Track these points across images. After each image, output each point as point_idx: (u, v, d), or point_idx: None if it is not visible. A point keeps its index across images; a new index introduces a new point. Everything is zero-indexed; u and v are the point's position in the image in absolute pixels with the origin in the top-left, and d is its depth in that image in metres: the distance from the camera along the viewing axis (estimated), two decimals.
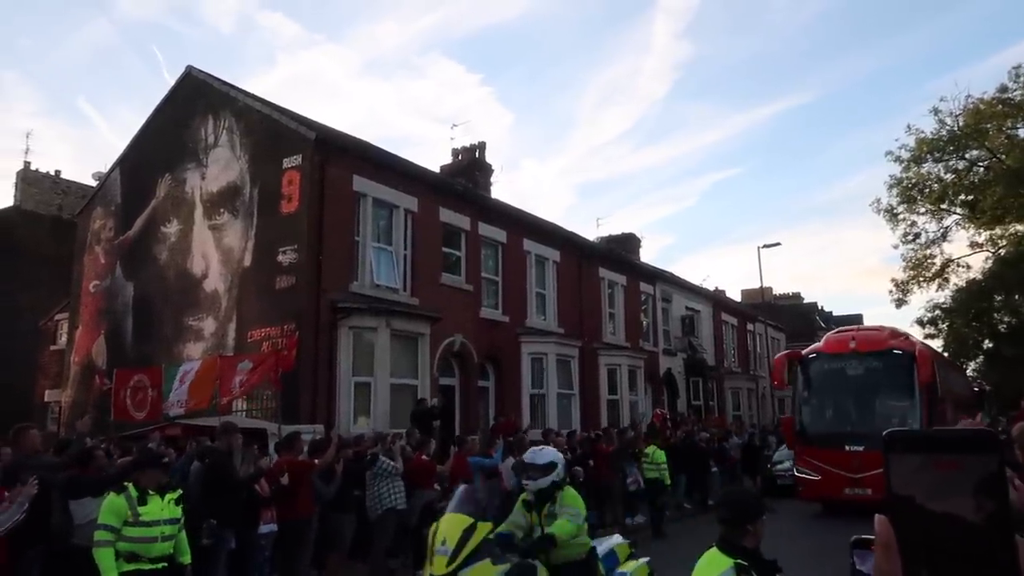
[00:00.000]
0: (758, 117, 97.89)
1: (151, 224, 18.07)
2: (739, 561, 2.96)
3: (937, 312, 31.08)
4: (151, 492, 5.52)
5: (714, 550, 3.11)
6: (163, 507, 5.54)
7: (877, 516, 0.82)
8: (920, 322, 31.38)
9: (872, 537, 0.85)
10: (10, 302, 25.66)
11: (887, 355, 14.38)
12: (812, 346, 16.48)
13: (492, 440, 13.24)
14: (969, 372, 31.71)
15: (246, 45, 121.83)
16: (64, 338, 21.39)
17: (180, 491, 5.88)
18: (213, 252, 16.49)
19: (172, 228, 17.55)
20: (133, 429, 12.24)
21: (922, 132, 27.63)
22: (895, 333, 15.50)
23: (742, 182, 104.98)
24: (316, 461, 8.74)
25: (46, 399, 22.80)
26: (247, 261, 15.71)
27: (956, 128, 26.95)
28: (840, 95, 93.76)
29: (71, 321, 19.94)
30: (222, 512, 7.43)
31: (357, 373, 14.69)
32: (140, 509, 5.39)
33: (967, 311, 29.62)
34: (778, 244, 34.51)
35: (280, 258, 14.97)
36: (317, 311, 14.42)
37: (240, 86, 18.27)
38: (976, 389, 24.92)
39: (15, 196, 28.00)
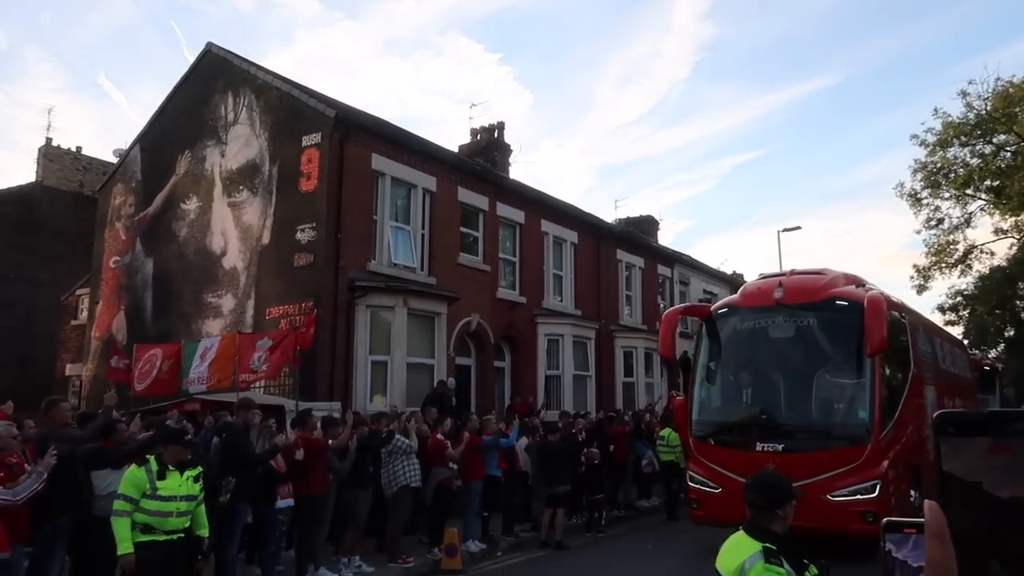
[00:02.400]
0: (781, 100, 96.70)
1: (171, 201, 18.15)
2: (767, 545, 2.91)
3: (959, 299, 30.73)
4: (171, 468, 5.60)
5: (741, 533, 3.07)
6: (181, 483, 5.61)
7: (927, 503, 0.78)
8: (941, 308, 31.05)
9: (905, 520, 0.81)
10: (32, 277, 25.96)
11: (826, 309, 9.62)
12: (725, 298, 11.99)
13: (508, 420, 13.28)
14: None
15: (265, 22, 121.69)
16: (85, 313, 21.62)
17: (200, 468, 5.96)
18: (232, 229, 16.55)
19: (192, 205, 17.62)
20: (153, 404, 12.38)
21: (949, 116, 27.14)
22: (843, 278, 10.34)
23: (763, 165, 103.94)
24: (331, 442, 8.79)
25: (67, 373, 23.10)
26: (266, 239, 15.76)
27: (984, 112, 26.45)
28: (865, 78, 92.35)
29: (92, 296, 20.13)
30: (238, 487, 7.49)
31: (374, 352, 14.74)
32: (159, 483, 5.48)
33: (990, 298, 29.24)
34: (798, 228, 34.03)
35: (299, 236, 15.00)
36: (335, 289, 14.46)
37: (260, 63, 18.26)
38: (986, 368, 22.13)
39: (37, 172, 28.22)
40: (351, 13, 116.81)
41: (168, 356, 13.01)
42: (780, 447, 8.97)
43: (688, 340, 26.87)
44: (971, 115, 26.62)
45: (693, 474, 10.02)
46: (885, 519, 1.15)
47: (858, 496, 8.66)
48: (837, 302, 9.60)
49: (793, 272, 10.96)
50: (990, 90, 26.16)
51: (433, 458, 10.25)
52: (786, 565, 2.86)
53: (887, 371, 9.46)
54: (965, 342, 27.75)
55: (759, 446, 9.10)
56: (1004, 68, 73.42)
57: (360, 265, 15.06)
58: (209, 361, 12.40)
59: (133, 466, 5.56)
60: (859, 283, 10.22)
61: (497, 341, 18.46)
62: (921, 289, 30.40)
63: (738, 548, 2.99)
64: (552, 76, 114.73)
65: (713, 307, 11.06)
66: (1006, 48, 64.29)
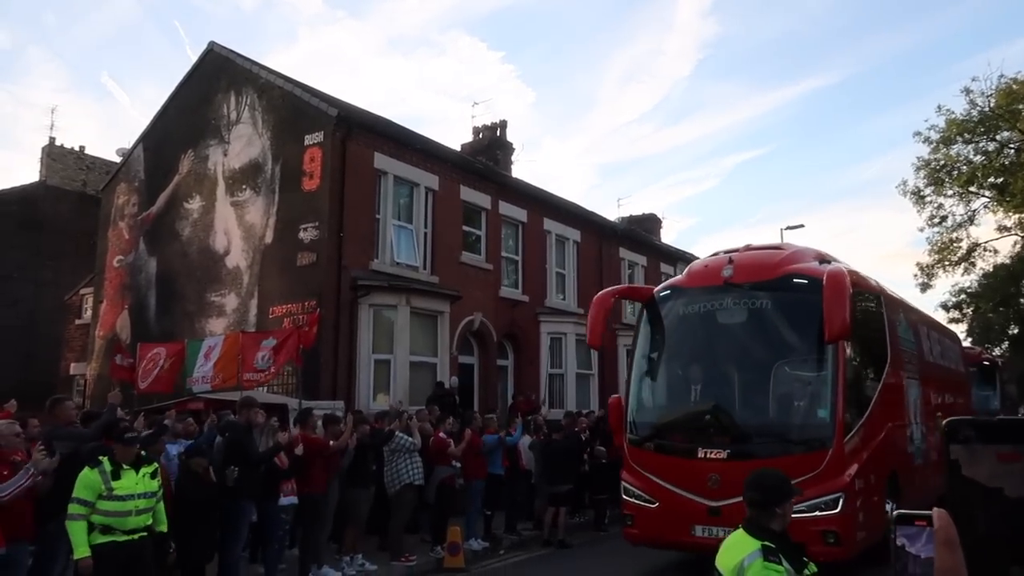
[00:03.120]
0: (784, 97, 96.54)
1: (174, 200, 18.18)
2: (766, 543, 2.93)
3: (962, 297, 30.69)
4: (126, 466, 5.54)
5: (740, 532, 3.08)
6: (138, 481, 5.56)
7: (937, 510, 0.78)
8: (945, 306, 31.01)
9: (916, 512, 0.82)
10: (36, 276, 26.02)
11: (782, 288, 8.13)
12: (670, 279, 10.08)
13: (511, 419, 13.29)
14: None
15: (268, 21, 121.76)
16: (89, 312, 21.67)
17: (156, 465, 5.90)
18: (235, 228, 16.57)
19: (195, 204, 17.65)
20: (157, 402, 12.41)
21: (952, 113, 27.09)
22: (805, 253, 8.91)
23: (766, 163, 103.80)
24: (332, 442, 8.81)
25: (71, 372, 23.16)
26: (269, 238, 15.78)
27: (988, 109, 26.40)
28: (868, 75, 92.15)
29: (95, 296, 20.17)
30: (242, 485, 7.51)
31: (377, 350, 14.76)
32: (114, 483, 5.42)
33: (993, 296, 29.20)
34: (801, 226, 33.78)
35: (301, 235, 15.02)
36: (338, 288, 14.47)
37: (262, 62, 18.28)
38: (986, 363, 20.79)
39: (40, 172, 28.27)
40: (353, 11, 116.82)
41: (171, 355, 13.04)
42: (725, 453, 7.62)
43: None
44: (975, 112, 26.57)
45: (627, 485, 8.46)
46: (896, 511, 1.08)
47: (817, 512, 7.17)
48: (795, 280, 8.06)
49: (748, 248, 9.17)
50: (994, 87, 26.12)
51: (436, 456, 10.27)
52: (785, 563, 2.87)
53: (855, 362, 8.07)
54: (968, 340, 27.64)
55: (701, 452, 7.77)
56: (1008, 65, 73.34)
57: (363, 264, 15.08)
58: (214, 360, 12.42)
59: (86, 468, 5.50)
60: (825, 259, 8.64)
61: (500, 340, 18.47)
62: (924, 287, 30.37)
63: (737, 546, 3.00)
64: (555, 74, 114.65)
65: (656, 289, 9.38)
66: (1010, 45, 64.11)
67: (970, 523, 0.74)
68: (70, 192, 27.83)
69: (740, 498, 6.75)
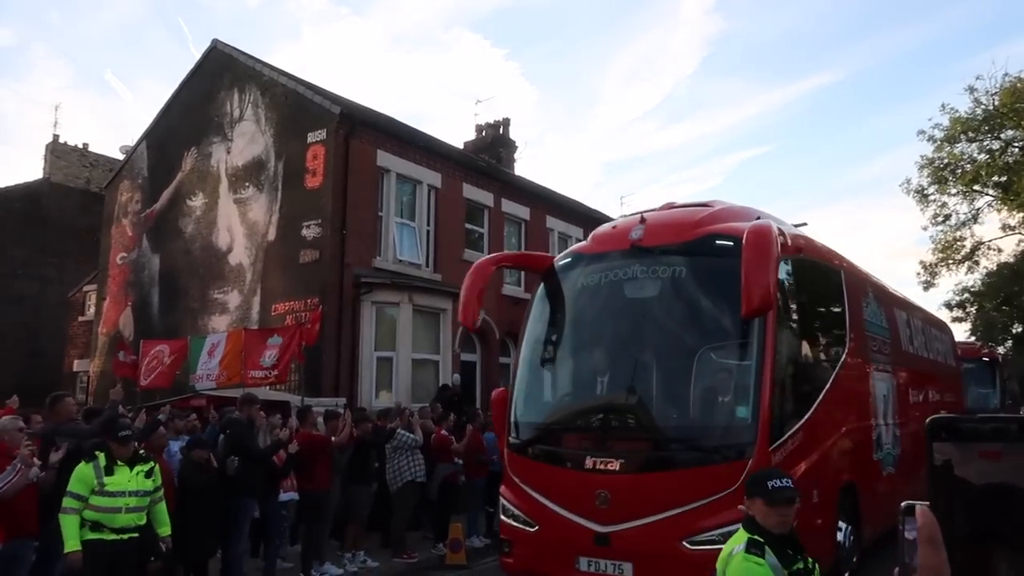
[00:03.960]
0: (788, 95, 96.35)
1: (177, 197, 18.22)
2: (754, 536, 3.07)
3: (966, 295, 30.62)
4: (120, 463, 5.49)
5: (740, 527, 3.23)
6: (130, 478, 5.50)
7: (919, 508, 0.78)
8: (948, 305, 30.94)
9: (923, 503, 0.81)
10: (40, 273, 26.10)
11: (700, 252, 6.42)
12: (573, 246, 8.12)
13: None
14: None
15: (272, 18, 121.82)
16: (92, 309, 21.72)
17: (152, 464, 5.80)
18: (238, 226, 16.61)
19: (198, 202, 17.69)
20: (160, 399, 12.45)
21: (956, 111, 27.04)
22: (732, 211, 7.10)
23: (770, 161, 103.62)
24: (333, 438, 8.83)
25: (75, 369, 23.23)
26: (271, 235, 15.81)
27: (992, 107, 26.35)
28: (872, 73, 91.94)
29: (99, 293, 20.23)
30: (243, 482, 7.54)
31: (379, 348, 14.79)
32: (106, 479, 5.38)
33: (997, 294, 29.14)
34: (804, 224, 33.86)
35: (304, 232, 15.04)
36: (340, 285, 14.50)
37: (266, 60, 18.30)
38: (985, 359, 19.20)
39: (44, 169, 28.34)
40: (357, 9, 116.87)
41: (174, 352, 13.08)
42: (617, 464, 5.85)
43: None
44: (979, 111, 26.52)
45: (505, 503, 6.70)
46: (904, 502, 0.96)
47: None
48: (717, 242, 6.26)
49: (669, 206, 7.49)
50: (998, 85, 26.06)
51: (438, 453, 10.29)
52: (769, 557, 3.00)
53: (795, 346, 6.38)
54: (972, 338, 27.57)
55: (589, 461, 5.99)
56: (1012, 63, 72.99)
57: (365, 261, 15.10)
58: (219, 358, 12.45)
59: (82, 463, 5.48)
60: (754, 216, 6.90)
61: (502, 337, 18.48)
62: (928, 286, 30.32)
63: (734, 539, 3.17)
64: (558, 72, 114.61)
65: (556, 258, 7.55)
66: (1014, 43, 63.91)
67: (952, 522, 0.74)
68: (74, 189, 27.91)
69: (637, 522, 5.73)
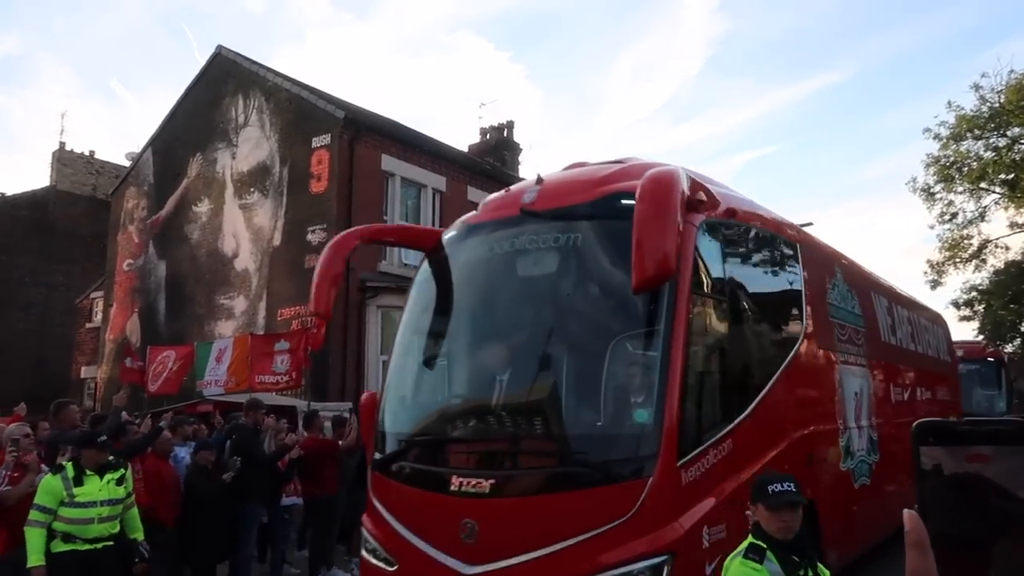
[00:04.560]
0: (793, 95, 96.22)
1: (183, 203, 18.28)
2: (755, 541, 3.05)
3: (974, 294, 30.46)
4: (89, 472, 5.40)
5: (749, 534, 3.19)
6: (101, 487, 5.41)
7: (907, 512, 0.77)
8: (956, 304, 30.79)
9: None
10: (47, 280, 26.22)
11: (601, 215, 5.03)
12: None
13: None
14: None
15: (276, 24, 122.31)
16: (99, 316, 21.81)
17: (122, 471, 5.70)
18: (243, 231, 16.65)
19: (203, 207, 17.74)
20: (167, 405, 12.48)
21: (962, 109, 26.93)
22: (640, 168, 5.02)
23: (776, 161, 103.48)
24: (341, 442, 8.83)
25: (82, 375, 23.31)
26: (277, 240, 15.85)
27: (998, 104, 26.24)
28: (878, 72, 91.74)
29: (106, 299, 20.31)
30: (251, 487, 7.54)
31: (385, 351, 14.77)
32: (75, 490, 5.28)
33: (1005, 293, 28.97)
34: (810, 224, 33.76)
35: (309, 237, 15.07)
36: (346, 290, 14.51)
37: (270, 65, 18.39)
38: (989, 359, 17.77)
39: (51, 176, 28.49)
40: (361, 14, 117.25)
41: (180, 357, 13.11)
42: (487, 485, 4.49)
43: None
44: (984, 108, 26.41)
45: (366, 535, 5.38)
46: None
47: None
48: (622, 202, 4.76)
49: (576, 165, 6.22)
50: (1003, 83, 25.94)
51: None
52: (770, 564, 2.96)
53: (721, 332, 5.01)
54: (980, 337, 27.43)
55: (455, 482, 4.62)
56: (1018, 60, 72.69)
57: (371, 266, 15.12)
58: (227, 364, 12.47)
59: (49, 474, 5.39)
60: (660, 171, 5.20)
61: None
62: (935, 284, 30.17)
63: (740, 546, 3.15)
64: (563, 73, 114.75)
65: (444, 231, 6.18)
66: (1019, 40, 63.71)
67: (940, 526, 0.73)
68: (80, 196, 28.04)
69: (509, 561, 4.27)
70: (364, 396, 6.32)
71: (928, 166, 28.63)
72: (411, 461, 5.21)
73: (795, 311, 6.25)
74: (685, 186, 4.37)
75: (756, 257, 5.97)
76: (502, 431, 4.96)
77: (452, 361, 5.69)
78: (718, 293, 5.03)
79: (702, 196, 4.90)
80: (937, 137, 27.83)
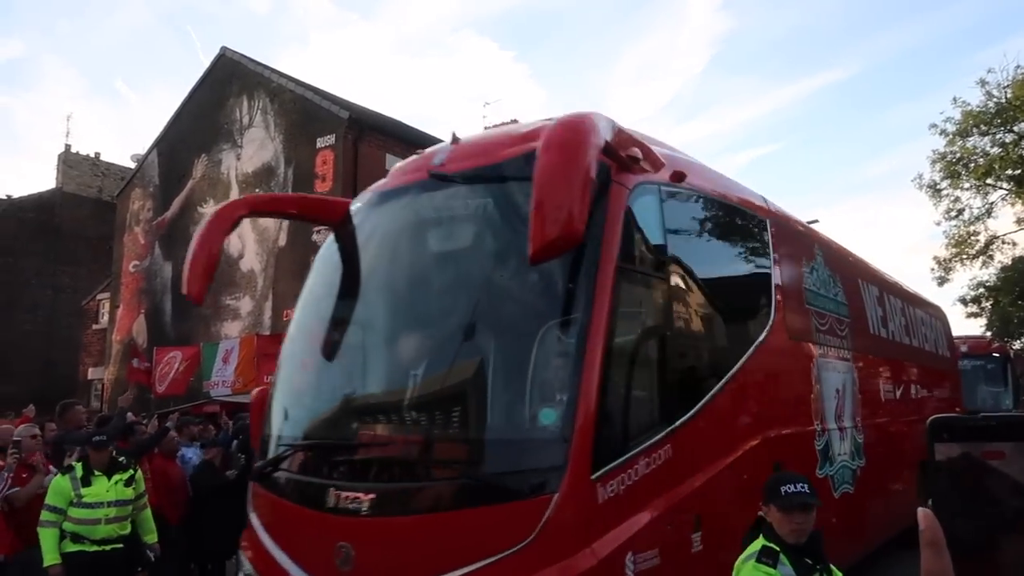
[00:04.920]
0: (798, 92, 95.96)
1: (188, 205, 18.33)
2: (768, 544, 2.98)
3: (981, 290, 30.34)
4: (97, 473, 5.41)
5: (760, 535, 3.13)
6: (109, 488, 5.41)
7: (921, 511, 0.76)
8: (963, 300, 30.67)
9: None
10: (53, 282, 26.32)
11: (508, 178, 4.07)
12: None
13: None
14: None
15: (280, 25, 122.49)
16: (106, 317, 21.88)
17: (132, 472, 5.66)
18: (249, 232, 16.68)
19: (208, 208, 17.77)
20: (174, 406, 12.52)
21: (968, 105, 26.84)
22: (538, 130, 3.84)
23: (780, 159, 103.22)
24: None
25: (89, 377, 23.39)
26: (282, 241, 15.87)
27: (1004, 100, 26.16)
28: (883, 68, 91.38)
29: (112, 301, 20.38)
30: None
31: None
32: (84, 490, 5.30)
33: (1012, 289, 28.84)
34: (816, 222, 33.70)
35: (315, 237, 15.07)
36: None
37: (274, 66, 18.40)
38: (995, 354, 17.06)
39: (57, 179, 28.61)
40: (365, 14, 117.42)
41: (187, 358, 13.15)
42: (366, 502, 3.66)
43: None
44: (991, 104, 26.31)
45: (241, 557, 4.62)
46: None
47: None
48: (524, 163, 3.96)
49: (503, 125, 5.88)
50: (1010, 78, 25.84)
51: None
52: (783, 567, 2.90)
53: (661, 316, 4.15)
54: (988, 334, 27.29)
55: (332, 497, 3.80)
56: None
57: None
58: (234, 364, 12.50)
59: (58, 475, 5.41)
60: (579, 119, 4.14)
61: None
62: (942, 281, 30.06)
63: (751, 547, 3.07)
64: (566, 73, 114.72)
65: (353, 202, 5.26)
66: None
67: (955, 524, 0.71)
68: (86, 198, 28.14)
69: None
70: (255, 392, 5.62)
71: (934, 162, 28.51)
72: (289, 470, 4.29)
73: (761, 296, 5.39)
74: (606, 135, 3.60)
75: (712, 232, 5.15)
76: (385, 436, 4.09)
77: (339, 352, 4.67)
78: (657, 271, 4.16)
79: (636, 153, 4.00)
80: (943, 133, 27.74)
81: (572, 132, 3.41)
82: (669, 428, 3.85)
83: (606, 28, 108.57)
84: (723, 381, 4.53)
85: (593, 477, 3.36)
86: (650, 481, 3.67)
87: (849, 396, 6.61)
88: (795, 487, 3.04)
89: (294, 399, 4.79)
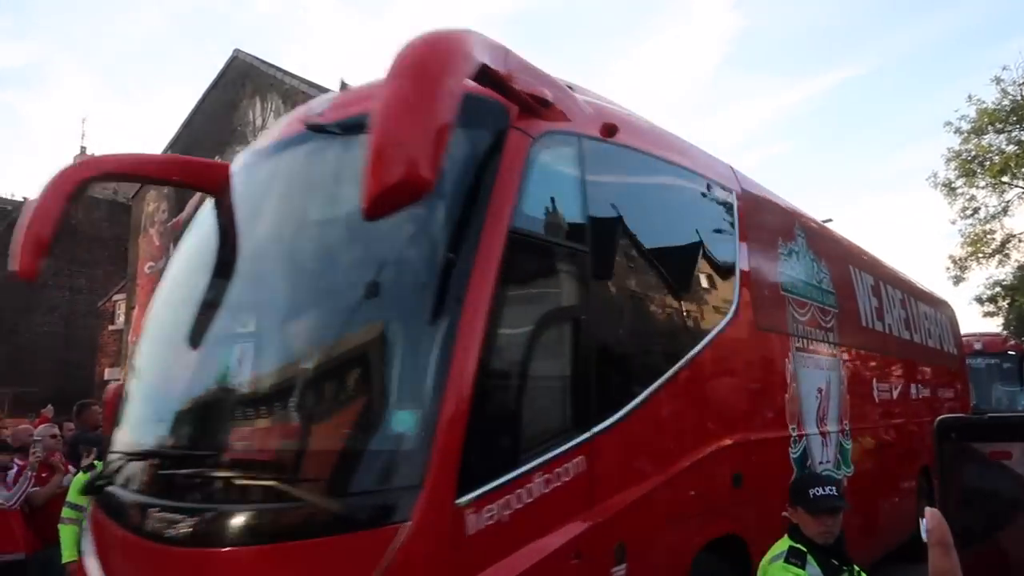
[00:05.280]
0: (810, 90, 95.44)
1: (202, 206, 18.45)
2: (795, 545, 2.98)
3: (997, 289, 30.09)
4: None
5: (785, 535, 3.13)
6: None
7: (929, 510, 0.77)
8: (979, 299, 30.43)
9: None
10: (70, 284, 26.58)
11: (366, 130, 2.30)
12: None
13: None
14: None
15: (290, 25, 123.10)
16: (122, 318, 22.08)
17: None
18: None
19: None
20: None
21: (983, 102, 26.64)
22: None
23: (793, 157, 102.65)
24: None
25: (106, 377, 23.60)
26: None
27: (1019, 97, 25.94)
28: (895, 68, 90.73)
29: (128, 302, 20.56)
30: None
31: None
32: None
33: None
34: (829, 220, 33.49)
35: None
36: None
37: (286, 67, 18.50)
38: (1011, 352, 16.35)
39: None
40: (374, 15, 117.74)
41: None
42: (182, 528, 2.73)
43: None
44: (1006, 101, 26.09)
45: None
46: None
47: None
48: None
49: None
50: None
51: None
52: (811, 568, 2.91)
53: (567, 295, 3.36)
54: (1004, 333, 27.07)
55: (149, 519, 2.89)
56: None
57: None
58: None
59: (80, 472, 5.43)
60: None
61: None
62: (958, 280, 29.83)
63: (776, 547, 3.08)
64: (576, 74, 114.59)
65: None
66: None
67: (963, 524, 0.72)
68: (101, 200, 28.39)
69: None
70: (109, 388, 5.01)
71: (949, 161, 28.32)
72: (115, 483, 3.44)
73: (720, 280, 4.61)
74: (495, 64, 2.83)
75: (654, 201, 4.26)
76: (206, 447, 3.11)
77: (178, 344, 3.73)
78: (573, 242, 3.31)
79: (545, 95, 3.25)
80: (958, 131, 27.54)
81: (429, 53, 2.61)
82: (583, 436, 3.06)
83: (617, 27, 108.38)
84: (663, 378, 3.75)
85: (460, 501, 2.52)
86: (551, 503, 2.86)
87: (835, 396, 5.91)
88: (823, 490, 3.03)
89: (132, 400, 3.91)
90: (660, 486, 3.54)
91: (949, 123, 27.37)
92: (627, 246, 3.76)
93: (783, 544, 3.04)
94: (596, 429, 3.16)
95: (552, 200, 3.31)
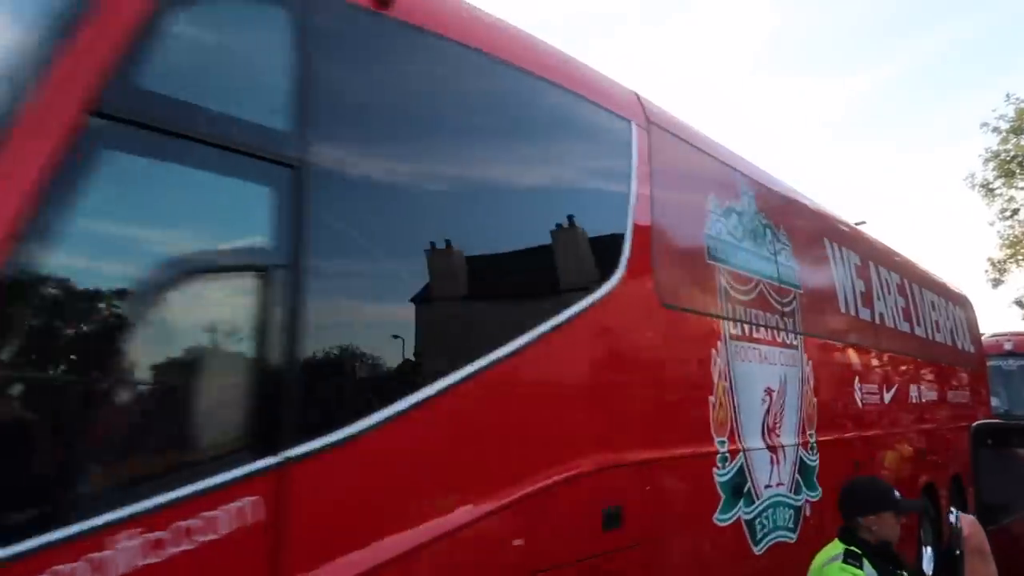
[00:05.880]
0: (842, 92, 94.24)
1: None
2: (851, 548, 3.00)
3: None
4: None
5: (835, 539, 3.15)
6: None
7: (966, 518, 0.76)
8: (1020, 303, 29.94)
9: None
10: None
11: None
12: None
13: None
14: None
15: None
16: None
17: None
18: None
19: None
20: None
21: (1021, 101, 26.29)
22: None
23: (825, 160, 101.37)
24: None
25: None
26: None
27: None
28: (928, 68, 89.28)
29: None
30: None
31: None
32: None
33: None
34: (863, 223, 33.10)
35: None
36: None
37: None
38: None
39: None
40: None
41: None
42: None
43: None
44: None
45: None
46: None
47: None
48: None
49: None
50: None
51: None
52: (868, 569, 2.93)
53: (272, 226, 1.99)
54: None
55: None
56: None
57: None
58: None
59: None
60: None
61: None
62: (997, 283, 29.41)
63: (827, 551, 3.10)
64: (604, 67, 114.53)
65: None
66: None
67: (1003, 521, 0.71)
68: None
69: None
70: None
71: (987, 161, 27.99)
72: None
73: (591, 234, 3.32)
74: None
75: (473, 114, 2.95)
76: None
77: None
78: (274, 148, 2.04)
79: None
80: (996, 131, 27.20)
81: None
82: (261, 463, 1.85)
83: (642, 26, 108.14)
84: (470, 370, 2.49)
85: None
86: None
87: (793, 400, 4.68)
88: (900, 494, 3.13)
89: None
90: (442, 539, 2.23)
91: (986, 123, 27.01)
92: (396, 168, 2.49)
93: (835, 547, 3.06)
94: (294, 452, 1.91)
95: (254, 83, 2.10)
